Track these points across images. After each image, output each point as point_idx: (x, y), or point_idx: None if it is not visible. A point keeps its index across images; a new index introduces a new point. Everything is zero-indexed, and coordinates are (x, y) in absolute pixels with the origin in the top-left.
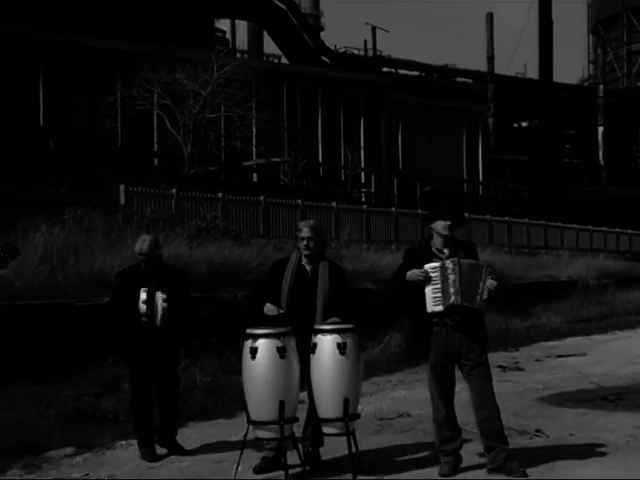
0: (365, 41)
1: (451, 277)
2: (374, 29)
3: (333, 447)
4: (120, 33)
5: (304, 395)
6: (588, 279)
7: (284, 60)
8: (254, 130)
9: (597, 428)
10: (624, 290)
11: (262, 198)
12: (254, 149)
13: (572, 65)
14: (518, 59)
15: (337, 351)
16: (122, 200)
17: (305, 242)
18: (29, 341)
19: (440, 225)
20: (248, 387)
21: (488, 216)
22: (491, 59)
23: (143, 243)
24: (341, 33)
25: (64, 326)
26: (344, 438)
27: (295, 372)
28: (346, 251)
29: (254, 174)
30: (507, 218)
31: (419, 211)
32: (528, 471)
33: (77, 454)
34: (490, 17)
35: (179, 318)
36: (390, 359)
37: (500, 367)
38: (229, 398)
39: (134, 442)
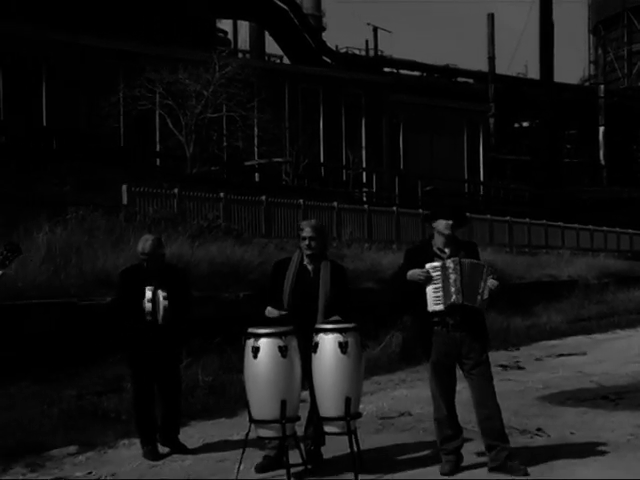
0: (367, 41)
1: (452, 276)
2: (375, 29)
3: (334, 446)
4: (120, 33)
5: (306, 394)
6: (589, 278)
7: (286, 60)
8: (256, 130)
9: (597, 427)
10: (625, 289)
11: (264, 198)
12: (256, 149)
13: (573, 65)
14: (519, 59)
15: (338, 350)
16: (124, 200)
17: (307, 242)
18: (32, 340)
19: (442, 224)
20: (250, 386)
21: (489, 216)
22: (492, 59)
23: (145, 243)
24: (343, 33)
25: (66, 325)
26: (345, 437)
27: (297, 371)
28: (348, 250)
29: (256, 174)
30: (508, 218)
31: (420, 211)
32: (529, 470)
33: (80, 453)
34: (491, 17)
35: (181, 317)
36: (391, 358)
37: (501, 366)
38: (231, 397)
39: (136, 441)
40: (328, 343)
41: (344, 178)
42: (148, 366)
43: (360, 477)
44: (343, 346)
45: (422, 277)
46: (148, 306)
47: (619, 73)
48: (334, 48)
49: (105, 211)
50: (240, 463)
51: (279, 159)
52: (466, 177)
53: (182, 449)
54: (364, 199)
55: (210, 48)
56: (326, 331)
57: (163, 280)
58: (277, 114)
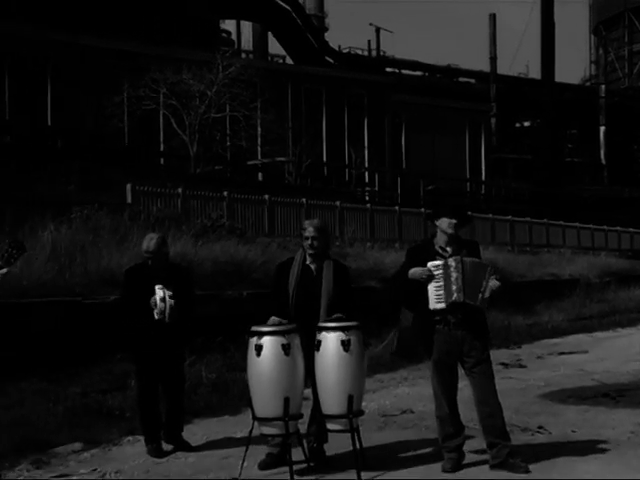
0: (369, 42)
1: (454, 275)
2: (378, 30)
3: (337, 443)
4: (119, 33)
5: (308, 392)
6: (590, 277)
7: (289, 60)
8: (259, 130)
9: (599, 425)
10: (625, 288)
11: (267, 197)
12: (259, 149)
13: (574, 65)
14: (520, 59)
15: (341, 348)
16: (129, 199)
17: (309, 241)
18: (37, 338)
19: (445, 223)
20: (253, 384)
21: (491, 215)
22: (494, 59)
23: (150, 241)
24: (345, 34)
25: (71, 324)
26: (348, 434)
27: (300, 369)
28: (350, 249)
29: (259, 173)
30: (509, 217)
31: (422, 210)
32: (530, 467)
33: (85, 450)
34: (493, 18)
35: (185, 315)
36: (393, 356)
37: (502, 364)
38: (234, 395)
39: (141, 438)
40: (331, 341)
41: (347, 177)
42: (153, 364)
43: (362, 474)
44: (346, 344)
45: (424, 275)
46: (160, 305)
47: (620, 73)
48: (337, 48)
49: (109, 210)
50: (243, 460)
51: (282, 158)
52: (468, 176)
53: (186, 446)
54: (366, 198)
55: (213, 48)
56: (329, 329)
57: (167, 279)
58: (280, 114)
